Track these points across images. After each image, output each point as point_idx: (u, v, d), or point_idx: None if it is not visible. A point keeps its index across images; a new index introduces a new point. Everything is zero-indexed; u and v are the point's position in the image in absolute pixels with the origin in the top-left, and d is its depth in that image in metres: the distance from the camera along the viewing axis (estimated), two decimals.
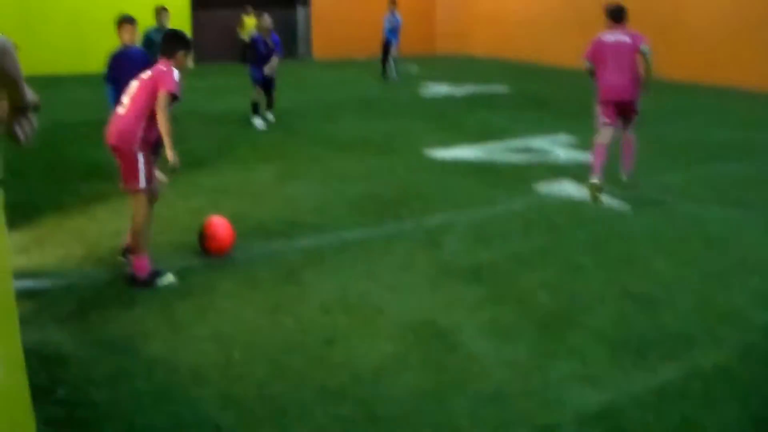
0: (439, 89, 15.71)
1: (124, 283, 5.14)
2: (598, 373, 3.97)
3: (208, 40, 21.19)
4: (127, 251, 5.33)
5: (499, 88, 16.03)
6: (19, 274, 4.91)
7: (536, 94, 15.28)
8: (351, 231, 6.34)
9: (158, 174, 5.42)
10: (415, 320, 4.62)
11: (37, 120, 2.42)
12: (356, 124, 11.60)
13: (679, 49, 16.57)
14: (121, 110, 5.10)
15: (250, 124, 11.30)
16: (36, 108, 2.40)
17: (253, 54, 11.31)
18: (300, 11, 23.30)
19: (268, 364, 4.04)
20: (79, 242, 6.01)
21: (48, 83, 12.30)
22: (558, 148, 9.80)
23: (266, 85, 11.39)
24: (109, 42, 7.61)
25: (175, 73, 5.05)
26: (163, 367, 4.00)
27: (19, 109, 2.33)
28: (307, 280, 5.25)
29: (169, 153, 5.02)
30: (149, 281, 5.08)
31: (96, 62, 9.74)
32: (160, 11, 10.04)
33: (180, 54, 5.17)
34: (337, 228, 6.42)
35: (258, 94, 11.41)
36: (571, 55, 20.35)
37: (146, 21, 9.18)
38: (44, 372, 3.87)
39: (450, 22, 24.61)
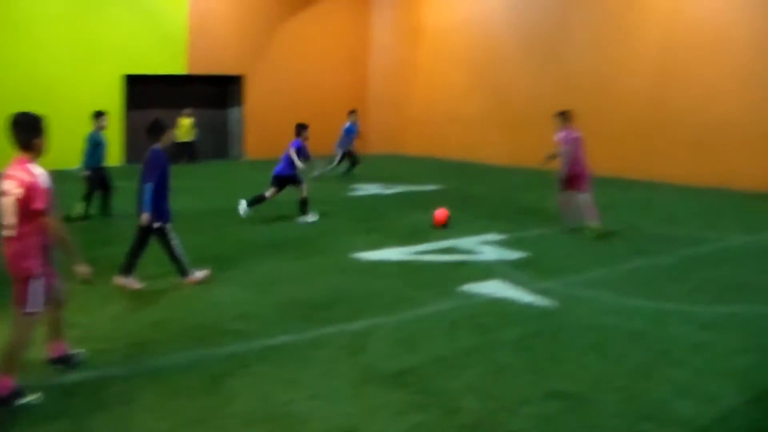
0: (368, 189, 15.90)
1: (46, 395, 4.89)
2: None
3: (142, 141, 21.05)
4: (59, 360, 5.31)
5: (429, 187, 16.34)
6: None
7: (466, 192, 15.61)
8: (276, 337, 6.24)
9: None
10: (337, 428, 4.52)
11: None
12: (285, 225, 11.57)
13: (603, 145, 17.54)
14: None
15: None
16: None
17: None
18: (233, 111, 23.56)
19: None
20: None
21: None
22: (486, 247, 9.95)
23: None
24: None
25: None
26: None
27: None
28: (230, 390, 5.11)
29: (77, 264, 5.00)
30: (7, 400, 4.76)
31: None
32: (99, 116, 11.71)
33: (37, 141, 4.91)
34: (261, 334, 6.31)
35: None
36: (498, 152, 21.35)
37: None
38: None
39: (383, 123, 25.22)
